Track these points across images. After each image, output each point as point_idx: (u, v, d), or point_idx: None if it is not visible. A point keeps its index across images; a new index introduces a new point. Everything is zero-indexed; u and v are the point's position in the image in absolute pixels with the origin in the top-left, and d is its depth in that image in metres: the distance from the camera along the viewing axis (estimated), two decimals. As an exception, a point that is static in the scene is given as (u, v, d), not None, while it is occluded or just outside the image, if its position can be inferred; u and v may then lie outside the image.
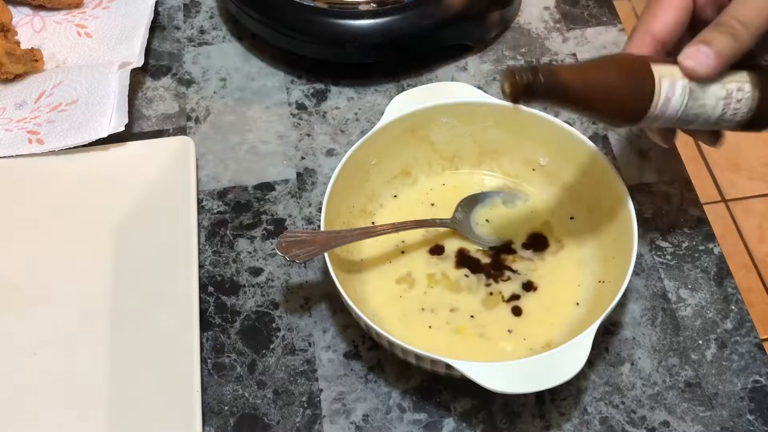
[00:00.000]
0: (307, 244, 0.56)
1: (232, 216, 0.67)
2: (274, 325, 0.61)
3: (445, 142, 0.65)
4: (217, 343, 0.60)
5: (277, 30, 0.74)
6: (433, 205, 0.65)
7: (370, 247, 0.62)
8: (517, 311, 0.59)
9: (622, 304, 0.61)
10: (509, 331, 0.58)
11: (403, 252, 0.62)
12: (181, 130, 0.72)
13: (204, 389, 0.58)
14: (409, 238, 0.63)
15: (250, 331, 0.61)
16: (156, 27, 0.80)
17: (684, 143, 0.63)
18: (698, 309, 0.61)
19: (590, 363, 0.58)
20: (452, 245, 0.63)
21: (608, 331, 0.60)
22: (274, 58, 0.77)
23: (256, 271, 0.64)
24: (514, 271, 0.61)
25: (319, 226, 0.59)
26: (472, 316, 0.59)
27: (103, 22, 0.78)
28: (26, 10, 0.80)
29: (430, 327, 0.59)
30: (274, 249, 0.65)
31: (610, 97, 0.50)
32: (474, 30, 0.76)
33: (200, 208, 0.67)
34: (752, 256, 1.50)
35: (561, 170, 0.64)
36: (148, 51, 0.77)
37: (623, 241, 0.57)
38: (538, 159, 0.64)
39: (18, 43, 0.75)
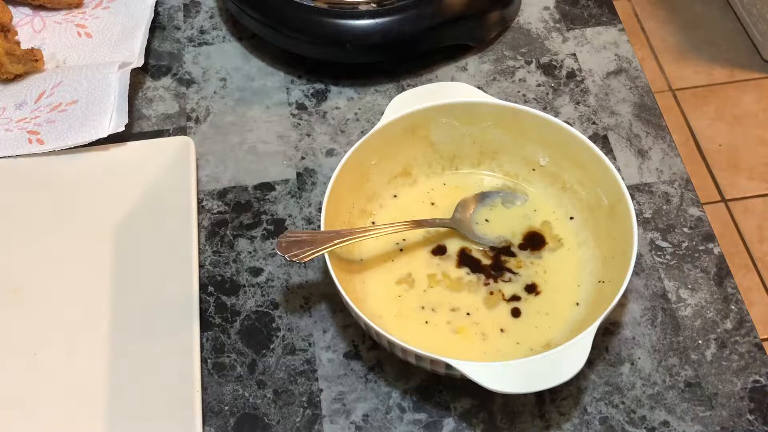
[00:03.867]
0: (307, 244, 0.56)
1: (232, 216, 0.67)
2: (274, 325, 0.61)
3: (445, 142, 0.65)
4: (217, 343, 0.60)
5: (277, 30, 0.74)
6: (433, 205, 0.65)
7: (370, 247, 0.62)
8: (516, 312, 0.59)
9: (622, 304, 0.61)
10: (501, 330, 0.58)
11: (403, 252, 0.62)
12: (181, 130, 0.72)
13: (204, 389, 0.58)
14: (410, 237, 0.63)
15: (250, 331, 0.61)
16: (156, 27, 0.80)
17: (684, 143, 0.63)
18: (698, 309, 0.61)
19: (590, 363, 0.58)
20: (454, 245, 0.63)
21: (608, 331, 0.60)
22: (274, 58, 0.77)
23: (256, 271, 0.64)
24: (515, 273, 0.61)
25: (319, 226, 0.59)
26: (468, 314, 0.59)
27: (103, 22, 0.78)
28: (26, 10, 0.80)
29: (429, 327, 0.59)
30: (274, 249, 0.65)
31: None
32: (474, 30, 0.76)
33: (200, 208, 0.67)
34: (752, 256, 1.50)
35: (561, 170, 0.64)
36: (148, 51, 0.77)
37: (623, 241, 0.57)
38: (538, 159, 0.64)
39: (18, 43, 0.75)
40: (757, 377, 0.58)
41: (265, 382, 0.59)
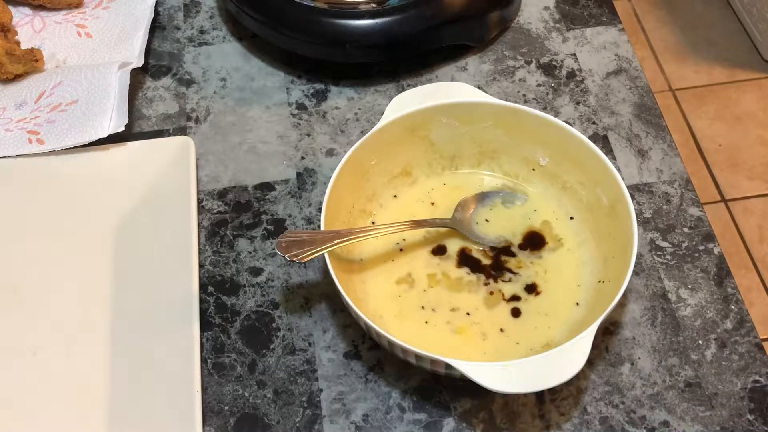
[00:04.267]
0: (307, 244, 0.56)
1: (232, 216, 0.67)
2: (274, 325, 0.61)
3: (445, 142, 0.65)
4: (217, 343, 0.60)
5: (277, 30, 0.74)
6: (433, 204, 0.65)
7: (370, 247, 0.62)
8: (516, 312, 0.59)
9: (622, 304, 0.61)
10: (501, 330, 0.58)
11: (403, 252, 0.62)
12: (181, 130, 0.72)
13: (204, 389, 0.58)
14: (410, 237, 0.63)
15: (250, 331, 0.61)
16: (156, 27, 0.80)
17: (684, 143, 0.63)
18: (698, 309, 0.61)
19: (590, 363, 0.58)
20: (454, 245, 0.63)
21: (608, 331, 0.60)
22: (274, 58, 0.77)
23: (256, 271, 0.64)
24: (515, 273, 0.61)
25: (319, 226, 0.59)
26: (468, 314, 0.59)
27: (103, 22, 0.78)
28: (26, 10, 0.80)
29: (429, 327, 0.59)
30: (274, 249, 0.65)
31: None
32: (474, 30, 0.76)
33: (200, 208, 0.67)
34: (752, 256, 1.50)
35: (561, 170, 0.64)
36: (148, 51, 0.77)
37: (623, 241, 0.57)
38: (538, 159, 0.64)
39: (18, 43, 0.75)
40: (757, 377, 0.58)
41: (265, 382, 0.59)
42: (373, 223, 0.64)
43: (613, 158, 0.69)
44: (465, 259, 0.62)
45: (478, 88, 0.66)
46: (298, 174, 0.69)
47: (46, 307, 0.62)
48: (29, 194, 0.67)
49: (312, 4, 0.72)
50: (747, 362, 0.59)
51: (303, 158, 0.70)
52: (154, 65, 0.77)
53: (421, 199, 0.65)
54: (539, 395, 0.58)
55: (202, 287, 0.63)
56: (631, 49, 0.77)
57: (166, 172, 0.67)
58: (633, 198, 0.64)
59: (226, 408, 0.58)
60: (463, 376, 0.50)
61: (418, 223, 0.62)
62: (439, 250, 0.62)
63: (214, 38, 0.79)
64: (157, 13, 0.80)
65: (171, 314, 0.60)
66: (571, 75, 0.75)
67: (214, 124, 0.73)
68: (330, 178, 0.59)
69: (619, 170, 0.60)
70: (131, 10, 0.78)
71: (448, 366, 0.51)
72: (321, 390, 0.58)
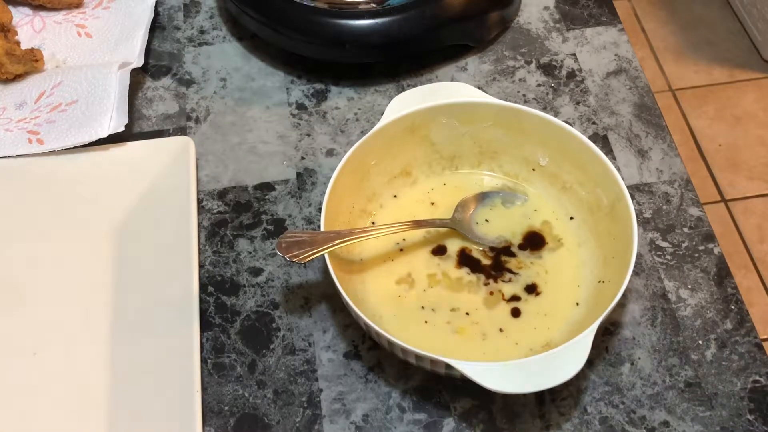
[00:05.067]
0: (307, 244, 0.56)
1: (232, 216, 0.67)
2: (274, 325, 0.61)
3: (445, 142, 0.65)
4: (217, 343, 0.60)
5: (277, 30, 0.74)
6: (433, 204, 0.65)
7: (370, 247, 0.62)
8: (515, 312, 0.59)
9: (622, 304, 0.61)
10: (501, 330, 0.58)
11: (403, 252, 0.62)
12: (181, 130, 0.72)
13: (204, 389, 0.58)
14: (410, 237, 0.63)
15: (250, 331, 0.61)
16: (156, 27, 0.80)
17: (684, 143, 0.63)
18: (698, 309, 0.61)
19: (590, 363, 0.58)
20: (454, 245, 0.63)
21: (608, 331, 0.60)
22: (274, 58, 0.77)
23: (256, 271, 0.64)
24: (515, 273, 0.61)
25: (319, 226, 0.59)
26: (468, 314, 0.59)
27: (103, 22, 0.78)
28: (26, 10, 0.80)
29: (429, 327, 0.59)
30: (274, 249, 0.65)
31: None
32: (474, 30, 0.76)
33: (200, 208, 0.67)
34: (752, 256, 1.50)
35: (561, 170, 0.64)
36: (148, 51, 0.77)
37: (623, 241, 0.57)
38: (538, 159, 0.64)
39: (18, 43, 0.75)
40: (757, 377, 0.58)
41: (265, 382, 0.59)
42: (373, 223, 0.64)
43: (613, 158, 0.69)
44: (465, 259, 0.62)
45: (478, 88, 0.66)
46: (298, 174, 0.69)
47: (46, 307, 0.62)
48: (29, 194, 0.67)
49: (312, 4, 0.73)
50: (747, 362, 0.59)
51: (303, 158, 0.70)
52: (154, 65, 0.77)
53: (421, 199, 0.65)
54: (539, 395, 0.58)
55: (202, 287, 0.63)
56: (631, 50, 0.77)
57: (166, 172, 0.67)
58: (633, 198, 0.64)
59: (226, 408, 0.58)
60: (463, 376, 0.50)
61: (418, 223, 0.62)
62: (439, 250, 0.62)
63: (214, 38, 0.79)
64: (157, 13, 0.80)
65: (171, 314, 0.60)
66: (571, 75, 0.75)
67: (214, 124, 0.73)
68: (330, 178, 0.59)
69: (619, 170, 0.60)
70: (131, 10, 0.78)
71: (448, 366, 0.51)
72: (321, 390, 0.58)
